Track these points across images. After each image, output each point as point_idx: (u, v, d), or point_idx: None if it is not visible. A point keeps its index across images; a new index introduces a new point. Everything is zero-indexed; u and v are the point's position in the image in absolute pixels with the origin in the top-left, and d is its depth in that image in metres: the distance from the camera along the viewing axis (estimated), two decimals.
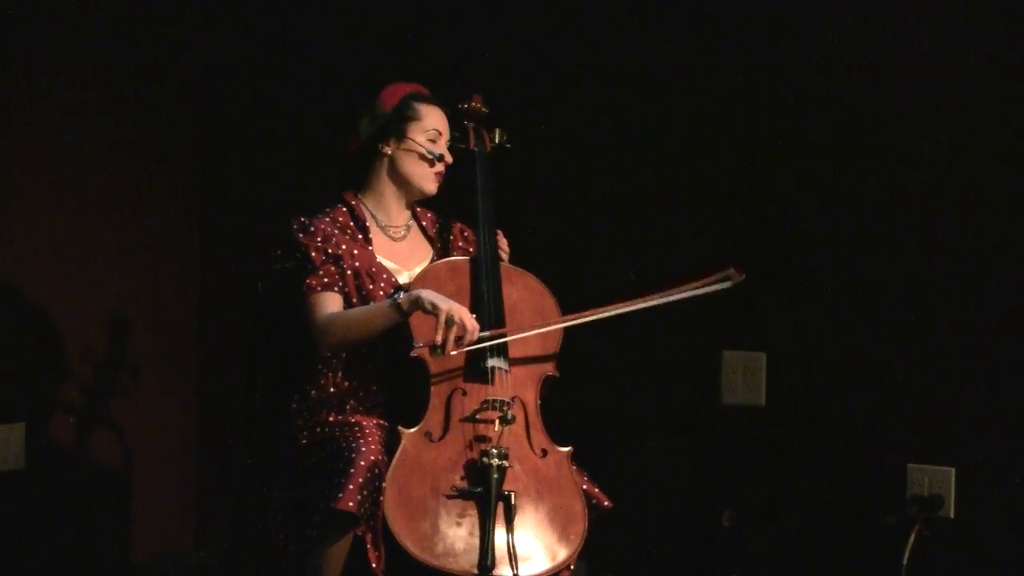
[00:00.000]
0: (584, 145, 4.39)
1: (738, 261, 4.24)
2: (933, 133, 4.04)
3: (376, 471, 3.26)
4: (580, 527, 3.37)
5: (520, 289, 3.55)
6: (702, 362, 4.30)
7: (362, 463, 3.24)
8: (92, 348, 4.42)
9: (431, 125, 3.56)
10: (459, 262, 3.55)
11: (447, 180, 3.59)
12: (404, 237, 3.62)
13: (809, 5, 4.15)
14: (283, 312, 3.58)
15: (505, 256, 3.64)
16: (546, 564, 3.32)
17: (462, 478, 3.32)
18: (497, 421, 3.36)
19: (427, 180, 3.57)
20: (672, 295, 3.50)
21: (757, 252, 4.23)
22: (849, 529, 4.11)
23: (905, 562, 3.95)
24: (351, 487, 3.20)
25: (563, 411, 3.52)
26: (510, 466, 3.31)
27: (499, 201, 3.62)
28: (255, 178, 4.68)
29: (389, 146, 3.55)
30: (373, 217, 3.58)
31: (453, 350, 3.33)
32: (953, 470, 4.01)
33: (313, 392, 3.50)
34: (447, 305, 3.32)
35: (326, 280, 3.46)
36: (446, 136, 3.59)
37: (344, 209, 3.57)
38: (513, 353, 3.46)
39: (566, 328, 3.51)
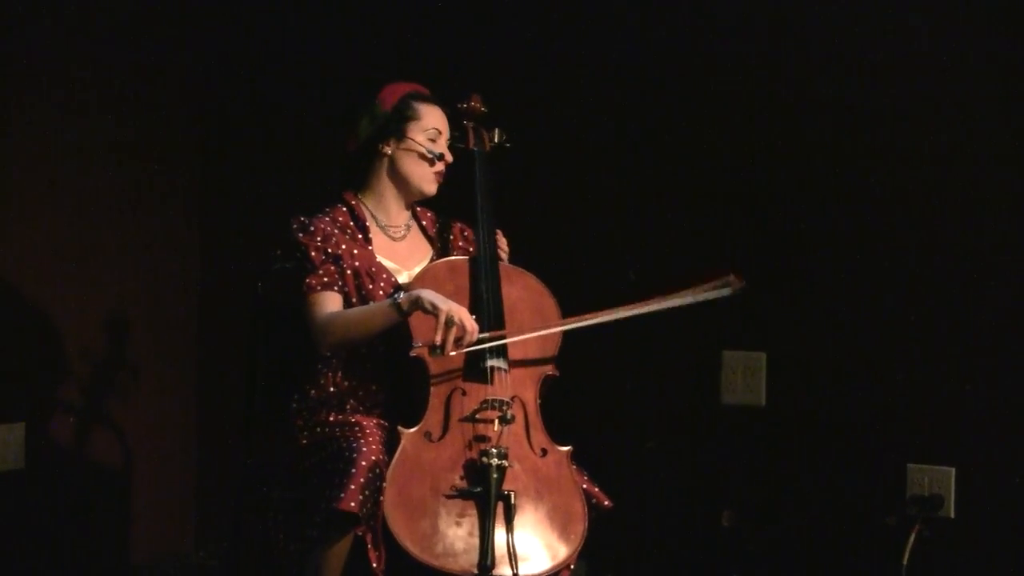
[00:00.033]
0: (584, 145, 4.39)
1: (738, 261, 4.25)
2: (933, 133, 4.04)
3: (377, 471, 3.26)
4: (580, 527, 3.37)
5: (519, 289, 3.55)
6: (702, 362, 4.30)
7: (363, 463, 3.24)
8: (92, 348, 4.42)
9: (431, 124, 3.56)
10: (458, 262, 3.55)
11: (446, 180, 3.59)
12: (404, 237, 3.62)
13: (809, 5, 4.15)
14: (283, 312, 3.58)
15: (504, 256, 3.64)
16: (546, 564, 3.32)
17: (462, 478, 3.32)
18: (496, 421, 3.36)
19: (426, 181, 3.57)
20: (671, 301, 3.49)
21: (757, 252, 4.23)
22: (849, 529, 4.11)
23: (905, 562, 3.95)
24: (353, 487, 3.20)
25: (563, 411, 3.52)
26: (510, 466, 3.31)
27: (498, 201, 3.62)
28: (255, 178, 4.68)
29: (389, 146, 3.55)
30: (373, 217, 3.58)
31: (452, 351, 3.32)
32: (953, 470, 4.01)
33: (313, 392, 3.50)
34: (447, 306, 3.32)
35: (326, 279, 3.46)
36: (446, 135, 3.59)
37: (344, 209, 3.56)
38: (513, 353, 3.46)
39: (566, 321, 3.51)
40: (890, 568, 3.97)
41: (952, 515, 4.01)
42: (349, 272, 3.49)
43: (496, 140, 3.70)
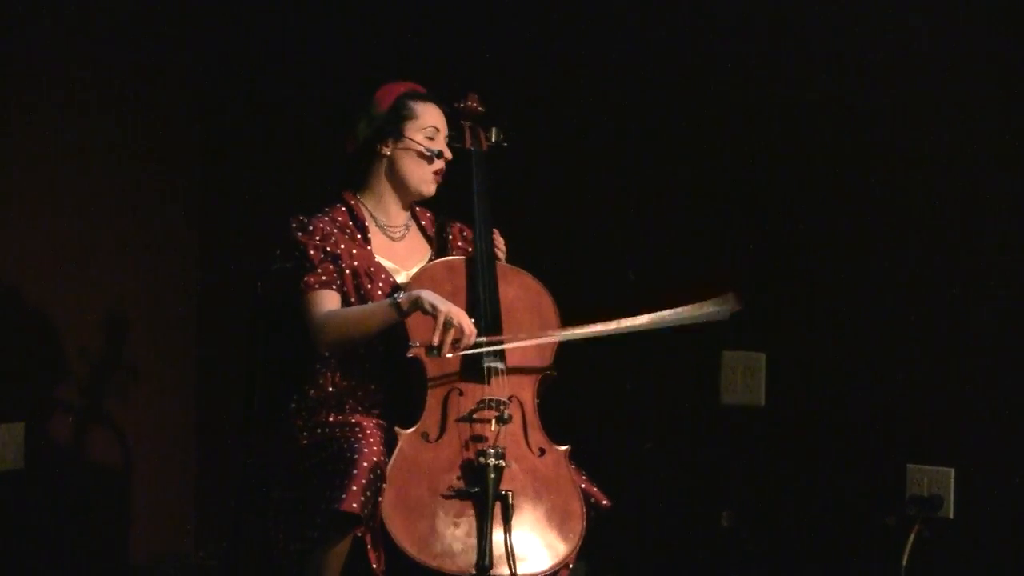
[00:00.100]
0: (583, 144, 4.39)
1: (738, 262, 4.26)
2: (933, 133, 4.04)
3: (378, 472, 3.26)
4: (578, 526, 3.37)
5: (517, 288, 3.55)
6: (702, 362, 4.30)
7: (365, 464, 3.24)
8: (92, 348, 4.42)
9: (428, 122, 3.55)
10: (456, 262, 3.55)
11: (444, 179, 3.59)
12: (403, 237, 3.62)
13: (809, 5, 4.15)
14: (283, 312, 3.58)
15: (502, 255, 3.63)
16: (544, 563, 3.32)
17: (459, 478, 3.32)
18: (494, 421, 3.36)
19: (425, 182, 3.56)
20: (668, 318, 3.48)
21: (757, 252, 4.23)
22: (848, 529, 4.10)
23: (905, 562, 3.95)
24: (354, 488, 3.20)
25: (563, 410, 3.52)
26: (507, 466, 3.31)
27: (497, 200, 3.62)
28: (255, 178, 4.68)
29: (387, 146, 3.55)
30: (372, 217, 3.58)
31: (449, 352, 3.32)
32: (953, 470, 4.01)
33: (312, 392, 3.50)
34: (446, 307, 3.32)
35: (324, 278, 3.46)
36: (444, 132, 3.58)
37: (343, 209, 3.56)
38: (510, 353, 3.46)
39: (563, 332, 3.51)
40: (889, 568, 3.97)
41: (951, 516, 4.01)
42: (348, 272, 3.49)
43: (494, 139, 3.70)
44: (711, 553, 4.27)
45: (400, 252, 3.60)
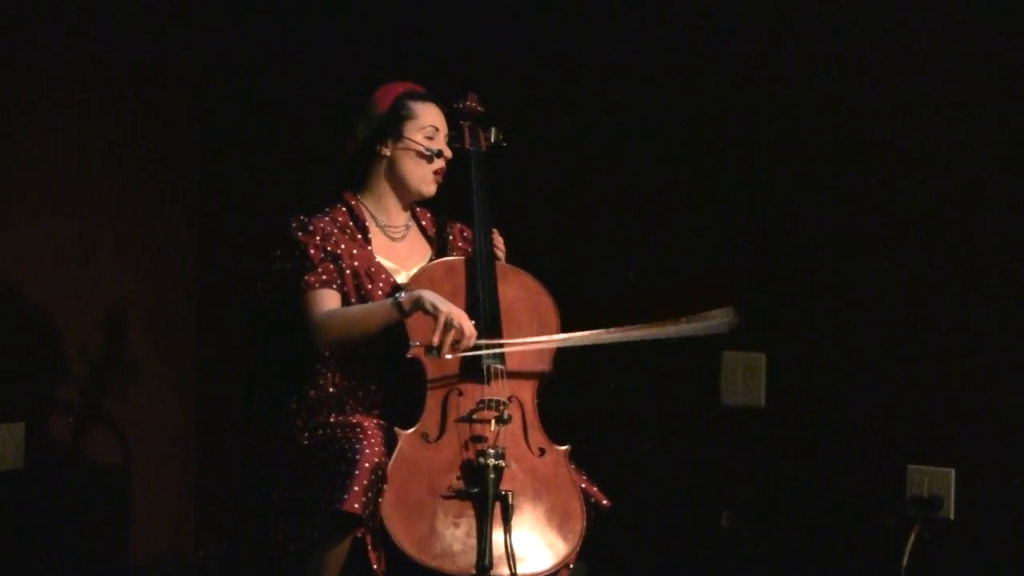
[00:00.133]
0: (582, 144, 4.39)
1: (738, 262, 4.26)
2: (933, 133, 4.03)
3: (379, 472, 3.26)
4: (578, 526, 3.37)
5: (516, 288, 3.55)
6: (702, 362, 4.30)
7: (366, 464, 3.24)
8: (92, 348, 4.42)
9: (427, 122, 3.55)
10: (455, 262, 3.54)
11: (443, 179, 3.59)
12: (403, 237, 3.62)
13: (809, 5, 4.15)
14: (282, 312, 3.58)
15: (501, 255, 3.63)
16: (544, 563, 3.32)
17: (459, 478, 3.32)
18: (493, 421, 3.36)
19: (425, 182, 3.56)
20: (668, 331, 3.48)
21: (757, 252, 4.23)
22: (849, 530, 4.10)
23: (905, 563, 3.95)
24: (356, 489, 3.20)
25: (563, 410, 3.52)
26: (507, 466, 3.31)
27: (496, 200, 3.62)
28: (255, 178, 4.68)
29: (387, 147, 3.55)
30: (372, 217, 3.58)
31: (449, 353, 3.32)
32: (953, 471, 4.01)
33: (312, 392, 3.50)
34: (447, 308, 3.32)
35: (324, 277, 3.46)
36: (444, 131, 3.58)
37: (343, 209, 3.56)
38: (509, 354, 3.46)
39: (562, 337, 3.51)
40: (890, 569, 3.97)
41: (952, 516, 4.01)
42: (348, 272, 3.49)
43: (493, 139, 3.69)
44: (711, 553, 4.27)
45: (400, 252, 3.59)
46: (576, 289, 3.83)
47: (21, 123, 4.26)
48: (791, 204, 4.20)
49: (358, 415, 3.44)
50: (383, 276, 3.52)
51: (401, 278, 3.54)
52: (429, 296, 3.34)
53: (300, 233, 3.48)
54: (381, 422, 3.42)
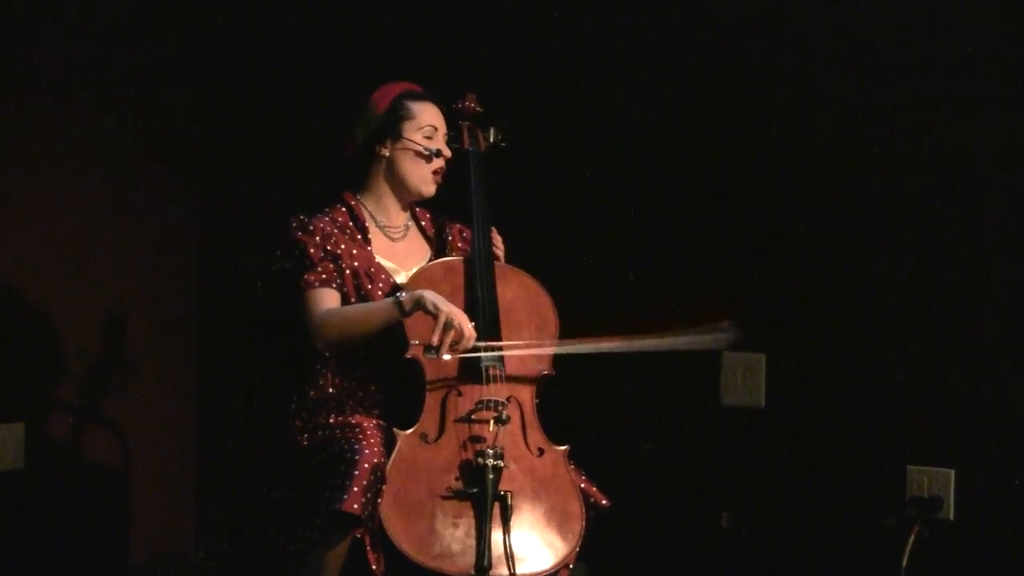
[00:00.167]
0: (582, 144, 4.38)
1: (738, 261, 4.26)
2: (933, 133, 4.03)
3: (378, 473, 3.26)
4: (578, 526, 3.36)
5: (515, 288, 3.54)
6: (702, 363, 4.29)
7: (365, 465, 3.24)
8: (92, 348, 4.42)
9: (426, 121, 3.55)
10: (454, 262, 3.54)
11: (442, 180, 3.58)
12: (403, 237, 3.62)
13: (809, 5, 4.14)
14: (282, 312, 3.58)
15: (500, 254, 3.63)
16: (544, 564, 3.32)
17: (458, 479, 3.32)
18: (492, 421, 3.35)
19: (425, 182, 3.56)
20: (669, 342, 3.48)
21: (757, 252, 4.22)
22: (848, 530, 4.10)
23: (904, 564, 3.94)
24: (355, 489, 3.20)
25: (563, 410, 3.52)
26: (505, 466, 3.31)
27: (495, 201, 3.62)
28: (255, 178, 4.68)
29: (386, 148, 3.55)
30: (372, 217, 3.58)
31: (447, 354, 3.32)
32: (953, 472, 4.00)
33: (312, 393, 3.50)
34: (448, 308, 3.32)
35: (324, 276, 3.46)
36: (442, 131, 3.58)
37: (343, 209, 3.57)
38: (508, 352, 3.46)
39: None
40: (889, 570, 3.96)
41: (951, 517, 4.00)
42: (348, 272, 3.49)
43: (492, 139, 3.69)
44: (711, 554, 4.27)
45: (400, 253, 3.60)
46: (576, 289, 3.82)
47: (21, 123, 4.26)
48: (791, 204, 4.19)
49: (358, 415, 3.44)
50: (383, 276, 3.52)
51: (401, 278, 3.54)
52: (430, 296, 3.34)
53: (300, 233, 3.48)
54: (381, 422, 3.42)
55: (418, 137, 3.54)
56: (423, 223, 3.68)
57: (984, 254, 3.98)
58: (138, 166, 4.55)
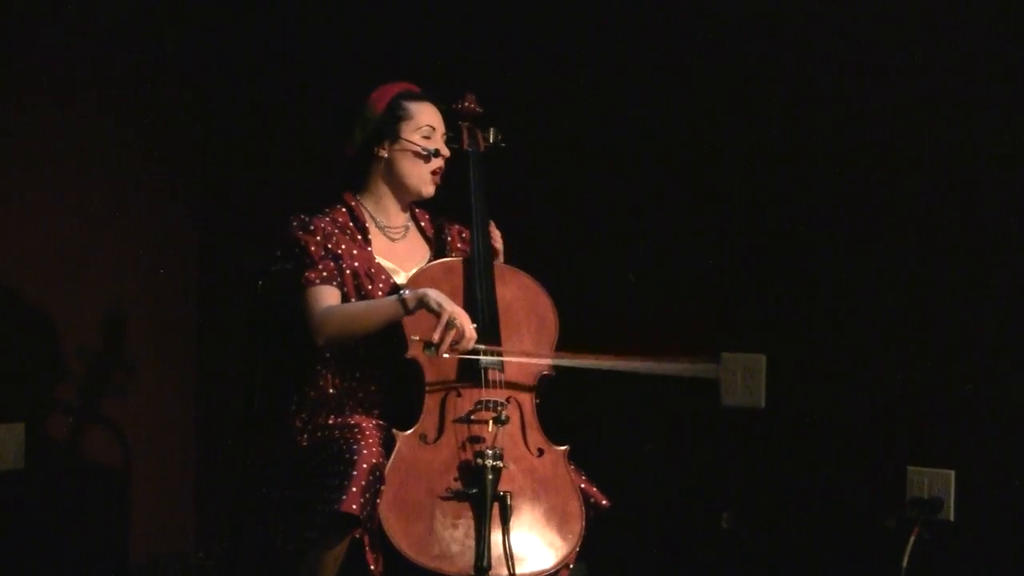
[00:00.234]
0: (582, 144, 4.38)
1: (738, 261, 4.25)
2: (933, 133, 4.02)
3: (377, 474, 3.26)
4: (577, 526, 3.36)
5: (515, 289, 3.54)
6: (702, 363, 4.28)
7: (364, 465, 3.24)
8: (92, 348, 4.42)
9: (424, 121, 3.55)
10: (453, 263, 3.54)
11: (441, 180, 3.58)
12: (403, 237, 3.62)
13: (809, 5, 4.14)
14: (282, 312, 3.58)
15: (500, 248, 3.63)
16: (543, 564, 3.32)
17: (457, 479, 3.31)
18: (491, 422, 3.35)
19: (424, 182, 3.56)
20: (660, 367, 3.50)
21: (757, 252, 4.22)
22: (848, 531, 4.09)
23: (905, 564, 3.94)
24: (354, 490, 3.20)
25: (563, 410, 3.51)
26: (505, 467, 3.30)
27: (495, 201, 3.62)
28: (255, 178, 4.68)
29: (384, 148, 3.55)
30: (372, 218, 3.58)
31: (447, 352, 3.32)
32: (953, 472, 3.99)
33: (312, 393, 3.50)
34: (451, 307, 3.32)
35: (325, 274, 3.46)
36: (441, 130, 3.58)
37: (343, 209, 3.57)
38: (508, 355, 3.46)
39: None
40: (889, 571, 3.96)
41: (951, 518, 4.00)
42: (348, 272, 3.49)
43: (491, 140, 3.69)
44: (711, 554, 4.26)
45: (400, 253, 3.60)
46: (576, 289, 3.82)
47: (21, 123, 4.27)
48: (791, 204, 4.19)
49: (357, 416, 3.44)
50: (383, 277, 3.53)
51: (400, 279, 3.54)
52: (434, 294, 3.34)
53: (301, 232, 3.48)
54: (380, 423, 3.42)
55: (416, 137, 3.54)
56: (422, 224, 3.68)
57: (984, 254, 3.98)
58: (138, 166, 4.55)
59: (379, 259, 3.55)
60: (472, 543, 3.25)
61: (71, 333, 4.37)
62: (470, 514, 3.28)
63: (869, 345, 4.09)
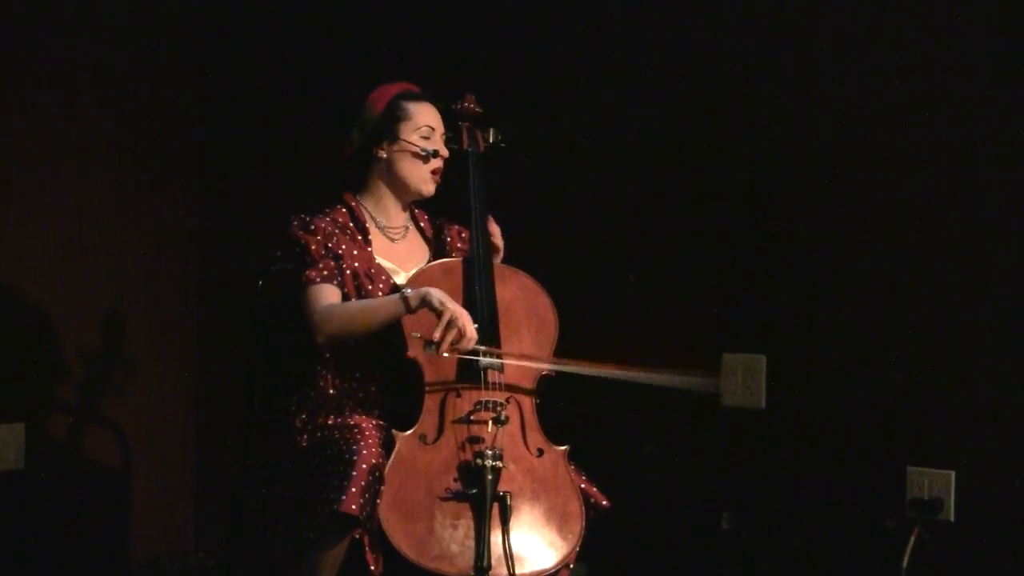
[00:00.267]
0: (581, 145, 4.38)
1: (738, 262, 4.25)
2: (933, 133, 4.02)
3: (377, 474, 3.26)
4: (577, 526, 3.36)
5: (514, 289, 3.54)
6: (702, 364, 4.28)
7: (364, 466, 3.24)
8: (92, 348, 4.43)
9: (423, 122, 3.55)
10: (452, 263, 3.54)
11: (441, 180, 3.58)
12: (403, 238, 3.62)
13: (809, 5, 4.14)
14: (282, 312, 3.58)
15: (499, 243, 3.62)
16: (543, 564, 3.32)
17: (456, 480, 3.31)
18: (490, 422, 3.35)
19: (424, 181, 3.56)
20: (659, 379, 3.51)
21: (757, 252, 4.22)
22: (849, 532, 4.08)
23: (905, 565, 3.93)
24: (354, 490, 3.20)
25: (563, 410, 3.51)
26: (504, 467, 3.30)
27: (494, 201, 3.62)
28: (255, 178, 4.68)
29: (383, 149, 3.55)
30: (372, 218, 3.59)
31: (447, 351, 3.32)
32: (953, 473, 3.98)
33: (312, 393, 3.50)
34: (454, 307, 3.33)
35: (325, 273, 3.46)
36: (440, 131, 3.58)
37: (343, 210, 3.57)
38: (507, 355, 3.45)
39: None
40: (889, 571, 3.95)
41: (952, 518, 3.99)
42: (348, 272, 3.49)
43: (491, 140, 3.69)
44: (711, 554, 4.26)
45: (400, 253, 3.60)
46: (576, 289, 3.82)
47: (21, 123, 4.27)
48: (791, 204, 4.18)
49: (357, 416, 3.44)
50: (383, 277, 3.53)
51: (400, 279, 3.54)
52: (437, 293, 3.34)
53: (302, 231, 3.48)
54: (380, 423, 3.42)
55: (415, 138, 3.54)
56: (421, 224, 3.69)
57: (984, 254, 3.97)
58: (138, 166, 4.55)
59: (379, 259, 3.55)
60: (472, 543, 3.25)
61: (72, 333, 4.37)
62: (470, 514, 3.28)
63: (869, 345, 4.09)
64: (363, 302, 3.45)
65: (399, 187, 3.57)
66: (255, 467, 3.58)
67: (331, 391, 3.48)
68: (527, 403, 3.46)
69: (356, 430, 3.36)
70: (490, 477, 3.26)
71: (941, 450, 4.00)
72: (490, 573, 3.23)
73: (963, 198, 4.00)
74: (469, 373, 3.41)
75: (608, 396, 4.30)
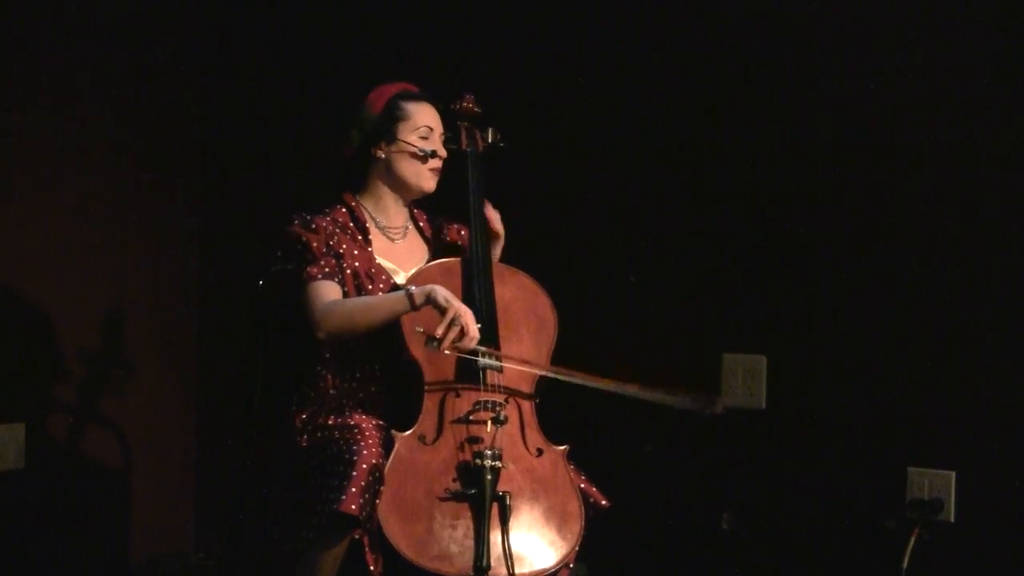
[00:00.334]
0: (581, 145, 4.38)
1: (738, 262, 4.25)
2: (933, 133, 4.02)
3: (377, 474, 3.26)
4: (577, 526, 3.36)
5: (513, 288, 3.54)
6: (702, 364, 4.28)
7: (364, 466, 3.24)
8: (92, 348, 4.43)
9: (421, 122, 3.55)
10: (451, 263, 3.54)
11: (440, 180, 3.58)
12: (402, 238, 3.62)
13: (809, 5, 4.13)
14: (282, 312, 3.58)
15: (499, 227, 3.61)
16: (543, 564, 3.31)
17: (456, 480, 3.31)
18: (489, 422, 3.35)
19: (424, 178, 3.56)
20: (656, 396, 3.51)
21: (757, 252, 4.22)
22: (849, 532, 4.09)
23: (905, 566, 3.94)
24: (354, 490, 3.20)
25: (563, 410, 3.51)
26: (503, 467, 3.30)
27: (494, 201, 3.62)
28: (255, 178, 4.68)
29: (381, 149, 3.55)
30: (372, 218, 3.59)
31: (448, 349, 3.32)
32: (953, 474, 3.99)
33: (312, 393, 3.50)
34: (459, 305, 3.33)
35: (327, 270, 3.46)
36: (439, 130, 3.58)
37: (343, 210, 3.57)
38: (506, 355, 3.45)
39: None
40: (890, 571, 3.95)
41: (952, 519, 3.99)
42: (349, 272, 3.49)
43: (490, 140, 3.69)
44: (711, 555, 4.26)
45: (400, 253, 3.60)
46: (576, 289, 3.82)
47: (21, 123, 4.27)
48: (791, 204, 4.18)
49: (357, 416, 3.43)
50: (383, 277, 3.53)
51: (400, 279, 3.54)
52: (441, 291, 3.34)
53: (303, 229, 3.48)
54: (380, 423, 3.42)
55: (413, 138, 3.54)
56: (421, 224, 3.69)
57: (984, 254, 3.97)
58: (138, 166, 4.55)
59: (379, 259, 3.55)
60: (471, 543, 3.25)
61: (72, 333, 4.37)
62: (469, 514, 3.28)
63: (869, 346, 4.09)
64: (366, 298, 3.45)
65: (399, 187, 3.57)
66: (255, 467, 3.58)
67: (331, 391, 3.48)
68: (526, 403, 3.45)
69: (356, 430, 3.36)
70: (489, 477, 3.25)
71: (941, 451, 4.01)
72: (489, 573, 3.23)
73: (963, 198, 4.00)
74: (468, 373, 3.41)
75: (608, 396, 4.31)
